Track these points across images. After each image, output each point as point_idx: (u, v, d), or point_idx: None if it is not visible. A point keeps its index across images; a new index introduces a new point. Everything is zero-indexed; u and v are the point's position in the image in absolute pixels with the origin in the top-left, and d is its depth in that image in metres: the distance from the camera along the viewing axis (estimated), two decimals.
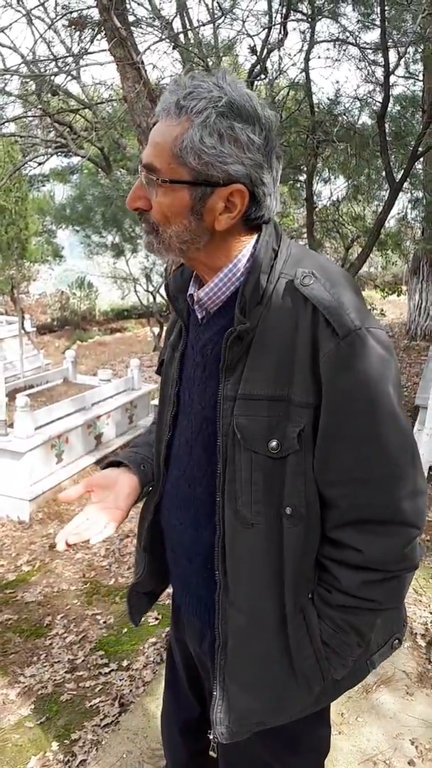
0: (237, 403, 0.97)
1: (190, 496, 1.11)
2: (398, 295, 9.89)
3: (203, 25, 5.17)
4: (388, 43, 5.33)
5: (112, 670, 2.61)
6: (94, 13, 4.93)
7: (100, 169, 9.79)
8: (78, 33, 4.84)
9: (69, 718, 2.34)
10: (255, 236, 1.01)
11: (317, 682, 1.03)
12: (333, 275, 0.96)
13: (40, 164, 9.79)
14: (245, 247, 1.00)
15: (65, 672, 2.63)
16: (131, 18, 4.77)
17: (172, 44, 5.66)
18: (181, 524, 1.14)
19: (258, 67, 6.15)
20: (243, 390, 0.97)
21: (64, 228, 12.79)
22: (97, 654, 2.75)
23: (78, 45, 4.93)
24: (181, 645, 1.34)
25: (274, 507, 0.97)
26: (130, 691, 2.45)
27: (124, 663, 2.63)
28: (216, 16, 4.73)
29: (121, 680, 2.53)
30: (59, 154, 9.58)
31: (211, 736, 1.10)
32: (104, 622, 3.02)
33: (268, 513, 0.98)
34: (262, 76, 6.09)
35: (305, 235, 5.94)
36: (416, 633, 2.66)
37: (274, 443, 0.95)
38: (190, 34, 6.33)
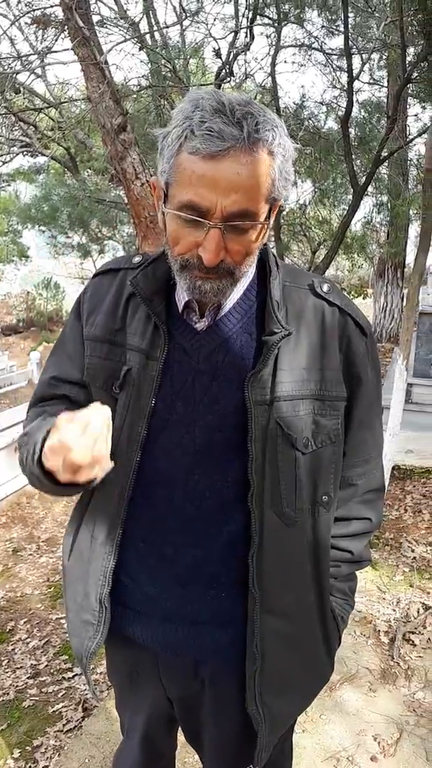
0: (274, 406, 0.97)
1: (194, 516, 1.01)
2: (364, 298, 10.06)
3: (168, 27, 5.16)
4: (353, 50, 5.42)
5: (76, 674, 2.58)
6: (59, 12, 4.88)
7: (66, 169, 9.70)
8: (42, 31, 4.78)
9: (31, 724, 2.29)
10: None
11: (333, 658, 1.15)
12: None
13: (4, 163, 9.64)
14: None
15: (28, 678, 2.58)
16: (96, 18, 4.74)
17: (139, 45, 5.65)
18: (175, 551, 1.03)
19: (225, 70, 6.18)
20: (278, 393, 0.97)
21: (29, 228, 12.61)
22: (60, 659, 2.71)
23: (41, 43, 4.87)
24: (152, 695, 1.19)
25: (313, 498, 1.03)
26: (94, 695, 2.41)
27: (90, 678, 2.59)
28: (182, 17, 4.74)
29: (84, 685, 2.49)
30: (25, 153, 9.46)
31: None
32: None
33: (308, 507, 1.02)
34: (229, 80, 6.12)
35: (273, 239, 5.99)
36: (379, 630, 2.70)
37: (315, 439, 1.00)
38: (156, 35, 6.33)
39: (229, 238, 0.88)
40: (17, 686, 2.52)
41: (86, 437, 0.84)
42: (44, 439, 0.93)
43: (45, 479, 0.96)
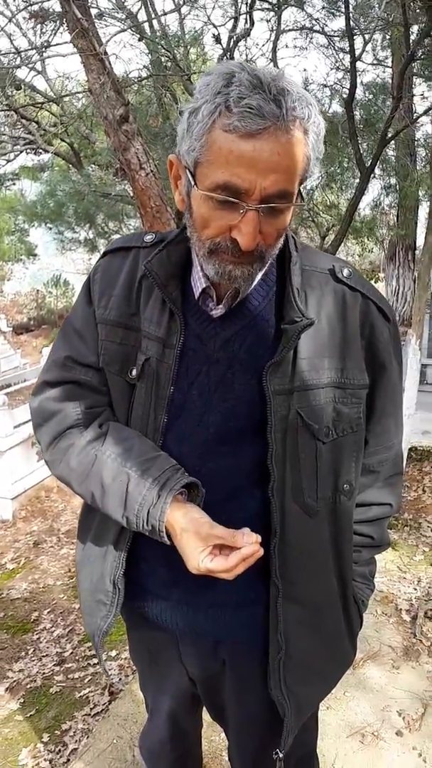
0: (295, 395, 0.94)
1: (207, 502, 0.98)
2: (375, 283, 9.98)
3: (166, 14, 5.13)
4: (354, 30, 5.34)
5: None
6: (56, 6, 4.87)
7: (70, 165, 9.70)
8: (39, 26, 4.77)
9: (59, 709, 2.33)
10: None
11: (356, 642, 1.15)
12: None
13: (8, 161, 9.66)
14: None
15: (54, 665, 2.62)
16: (95, 11, 4.72)
17: (138, 36, 5.62)
18: None
19: (226, 57, 6.13)
20: (299, 382, 0.94)
21: (36, 226, 12.63)
22: (85, 646, 2.75)
23: (40, 38, 4.87)
24: (174, 675, 1.20)
25: (335, 487, 1.01)
26: (120, 679, 2.45)
27: (113, 653, 2.63)
28: (180, 4, 4.71)
29: (110, 670, 2.53)
30: (28, 151, 9.46)
31: (281, 754, 1.04)
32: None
33: (329, 496, 1.01)
34: None
35: None
36: (401, 609, 2.71)
37: (336, 428, 0.98)
38: (155, 24, 6.29)
39: (265, 220, 0.84)
40: (44, 673, 2.56)
41: (232, 561, 0.87)
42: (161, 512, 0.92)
43: (164, 536, 0.94)
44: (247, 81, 0.77)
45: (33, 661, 2.66)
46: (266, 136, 0.78)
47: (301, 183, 0.87)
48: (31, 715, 2.30)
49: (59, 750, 2.10)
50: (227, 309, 0.97)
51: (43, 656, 2.70)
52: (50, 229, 11.57)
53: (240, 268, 0.88)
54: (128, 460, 0.96)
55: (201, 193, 0.84)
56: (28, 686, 2.48)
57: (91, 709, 2.29)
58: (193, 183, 0.86)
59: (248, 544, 0.86)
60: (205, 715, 1.35)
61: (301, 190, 0.88)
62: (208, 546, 0.88)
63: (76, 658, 2.67)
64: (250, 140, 0.78)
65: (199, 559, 0.88)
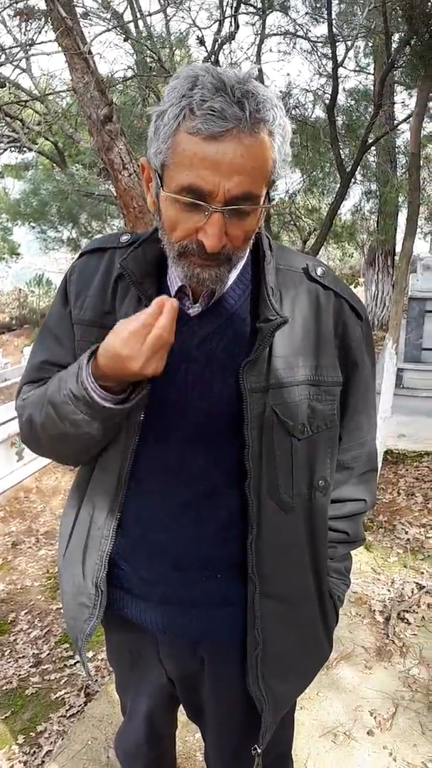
0: (270, 393, 0.95)
1: (186, 501, 1.01)
2: (355, 287, 10.08)
3: (151, 14, 5.14)
4: (337, 37, 5.41)
5: (77, 662, 2.61)
6: (42, 4, 4.86)
7: (54, 164, 9.66)
8: (24, 24, 4.76)
9: (34, 711, 2.33)
10: None
11: (332, 637, 1.17)
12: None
13: None
14: None
15: (30, 666, 2.62)
16: (80, 10, 4.72)
17: (124, 36, 5.63)
18: (168, 535, 1.03)
19: (210, 60, 6.16)
20: (274, 379, 0.95)
21: (19, 225, 12.55)
22: (62, 647, 2.75)
23: (24, 36, 4.85)
24: (153, 676, 1.20)
25: (310, 483, 1.02)
26: (96, 681, 2.45)
27: (90, 654, 2.63)
28: (165, 5, 4.72)
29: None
30: (12, 149, 9.40)
31: (259, 750, 1.05)
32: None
33: (305, 492, 1.02)
34: None
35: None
36: (374, 610, 2.74)
37: (311, 425, 0.99)
38: (141, 25, 6.30)
39: (230, 222, 0.84)
40: (20, 675, 2.56)
41: (165, 317, 0.83)
42: (93, 353, 0.90)
43: (93, 394, 0.90)
44: (210, 84, 0.78)
45: (9, 662, 2.66)
46: (229, 138, 0.79)
47: (269, 186, 0.88)
48: (6, 717, 2.30)
49: (34, 752, 2.10)
50: (204, 307, 0.98)
51: (20, 657, 2.69)
52: (33, 228, 11.52)
53: (207, 270, 0.89)
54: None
55: (168, 195, 0.85)
56: (4, 688, 2.48)
57: (66, 710, 2.30)
58: (160, 185, 0.87)
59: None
60: (180, 716, 1.37)
61: (270, 192, 0.89)
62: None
63: (53, 659, 2.66)
64: (213, 143, 0.79)
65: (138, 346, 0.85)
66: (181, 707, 1.31)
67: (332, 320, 1.00)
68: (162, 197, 0.87)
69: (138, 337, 0.84)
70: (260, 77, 6.02)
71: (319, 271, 1.01)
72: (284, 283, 0.99)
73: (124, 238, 1.05)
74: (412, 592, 2.86)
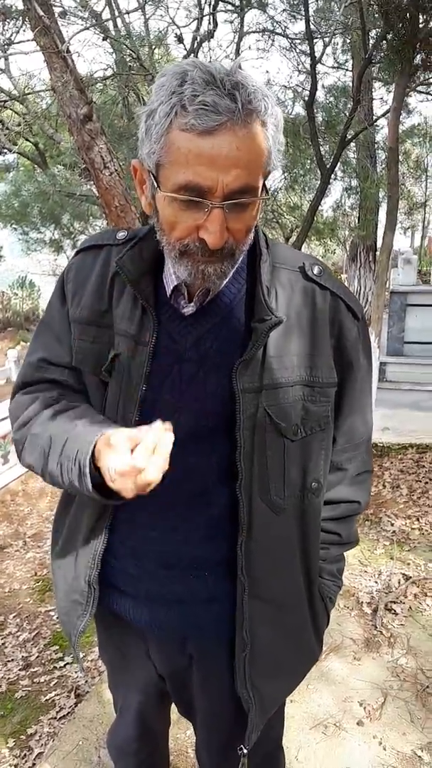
0: (264, 394, 0.94)
1: (176, 500, 1.01)
2: None
3: (129, 12, 5.13)
4: (315, 33, 5.44)
5: (67, 663, 2.61)
6: (19, 3, 4.82)
7: (35, 165, 9.59)
8: (1, 23, 4.72)
9: (25, 714, 2.32)
10: None
11: (322, 639, 1.16)
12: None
13: None
14: None
15: (19, 669, 2.60)
16: (58, 9, 4.69)
17: (102, 35, 5.60)
18: (158, 533, 1.04)
19: (190, 57, 6.16)
20: (267, 380, 0.94)
21: (1, 227, 12.45)
22: (51, 649, 2.73)
23: (2, 35, 4.82)
24: (143, 672, 1.21)
25: (302, 485, 1.01)
26: (86, 681, 2.45)
27: (80, 655, 2.62)
28: (143, 2, 4.71)
29: (76, 672, 2.52)
30: None
31: (245, 750, 1.05)
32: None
33: (297, 493, 1.01)
34: None
35: None
36: (362, 602, 2.77)
37: (304, 426, 0.98)
38: (120, 24, 6.28)
39: (231, 216, 0.83)
40: (9, 678, 2.54)
41: (158, 458, 0.82)
42: (92, 456, 0.89)
43: (94, 494, 0.92)
44: (200, 78, 0.77)
45: None
46: (223, 131, 0.78)
47: (265, 177, 0.87)
48: None
49: (24, 755, 2.09)
50: (199, 307, 0.97)
51: (9, 661, 2.67)
52: (15, 229, 11.43)
53: (212, 266, 0.88)
54: (80, 419, 0.97)
55: (165, 195, 0.83)
56: None
57: (57, 712, 2.29)
58: (156, 186, 0.85)
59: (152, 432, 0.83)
60: (172, 713, 1.37)
61: (266, 183, 0.88)
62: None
63: (42, 661, 2.65)
64: (208, 137, 0.78)
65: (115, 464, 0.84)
66: (173, 704, 1.31)
67: (328, 320, 0.99)
68: (159, 198, 0.86)
69: (127, 477, 0.83)
70: None
71: (316, 269, 1.00)
72: (280, 282, 0.98)
73: (120, 234, 1.04)
74: (399, 583, 2.89)
